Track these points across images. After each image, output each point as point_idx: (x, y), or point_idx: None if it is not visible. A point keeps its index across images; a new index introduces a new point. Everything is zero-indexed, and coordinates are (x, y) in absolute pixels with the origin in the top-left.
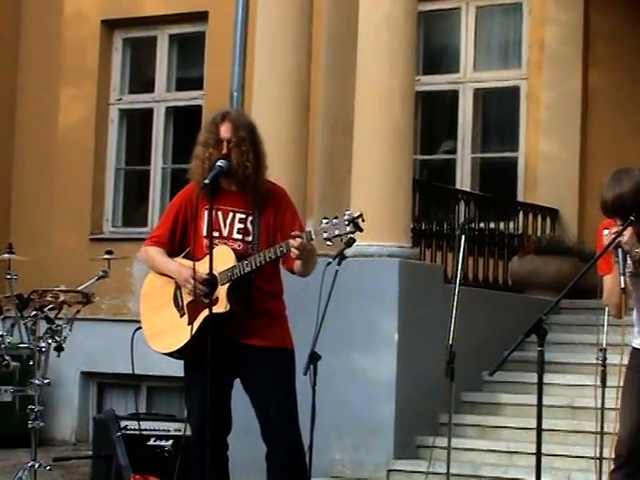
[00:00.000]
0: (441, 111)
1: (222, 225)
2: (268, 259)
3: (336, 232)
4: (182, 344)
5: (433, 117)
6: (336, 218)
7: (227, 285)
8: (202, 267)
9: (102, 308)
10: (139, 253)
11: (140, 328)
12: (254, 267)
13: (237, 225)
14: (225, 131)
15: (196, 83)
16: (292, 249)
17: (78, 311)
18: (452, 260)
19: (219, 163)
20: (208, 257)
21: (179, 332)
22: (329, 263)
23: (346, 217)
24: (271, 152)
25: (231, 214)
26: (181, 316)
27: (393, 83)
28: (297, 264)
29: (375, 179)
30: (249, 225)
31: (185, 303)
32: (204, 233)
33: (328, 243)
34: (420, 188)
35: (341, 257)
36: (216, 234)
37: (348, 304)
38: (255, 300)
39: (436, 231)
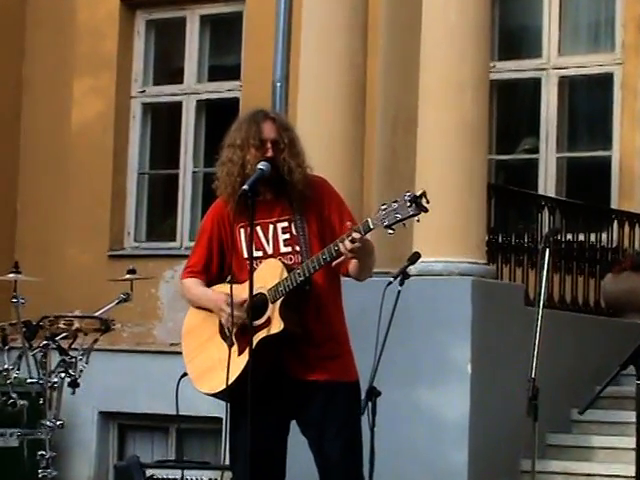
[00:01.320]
0: (520, 103)
1: (264, 242)
2: (323, 262)
3: (397, 217)
4: (232, 379)
5: (511, 110)
6: (395, 202)
7: (279, 302)
8: (245, 291)
9: (123, 337)
10: (179, 285)
11: (186, 374)
12: (307, 275)
13: (282, 236)
14: (270, 131)
15: (232, 72)
16: (346, 244)
17: (96, 340)
18: (534, 278)
19: (260, 166)
20: (255, 275)
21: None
22: (390, 283)
23: (407, 197)
24: (320, 154)
25: (272, 226)
26: (230, 346)
27: (463, 72)
28: (352, 264)
29: (443, 184)
30: (295, 232)
31: (234, 332)
32: (245, 255)
33: (389, 232)
34: (496, 194)
35: (404, 276)
36: (259, 253)
37: (412, 331)
38: (313, 321)
39: (515, 244)
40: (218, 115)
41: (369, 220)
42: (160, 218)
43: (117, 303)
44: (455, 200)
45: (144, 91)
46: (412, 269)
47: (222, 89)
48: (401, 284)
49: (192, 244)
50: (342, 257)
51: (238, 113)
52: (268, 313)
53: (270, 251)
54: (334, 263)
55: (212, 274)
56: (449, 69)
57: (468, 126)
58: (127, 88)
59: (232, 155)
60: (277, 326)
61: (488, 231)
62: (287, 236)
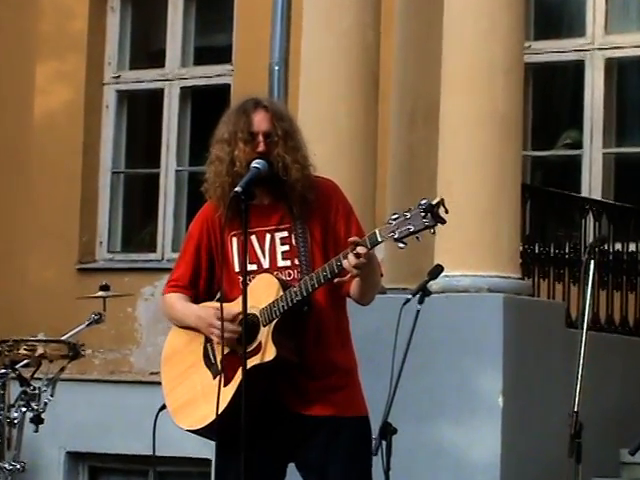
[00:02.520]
0: (560, 90)
1: (260, 253)
2: (323, 280)
3: (410, 228)
4: (215, 417)
5: (549, 98)
6: (408, 211)
7: (272, 325)
8: (236, 308)
9: (95, 365)
10: (160, 302)
11: (165, 407)
12: (305, 294)
13: (280, 248)
14: (261, 122)
15: (222, 55)
16: (350, 260)
17: (62, 369)
18: (577, 295)
19: (255, 164)
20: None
21: (212, 401)
22: (407, 301)
23: (421, 206)
24: (325, 150)
25: (268, 236)
26: (214, 377)
27: (493, 53)
28: (354, 285)
29: (469, 186)
30: (295, 243)
31: (219, 359)
32: (237, 268)
33: (400, 245)
34: (532, 196)
35: (424, 292)
36: (254, 267)
37: (434, 357)
38: (312, 349)
39: (555, 255)
40: (206, 104)
41: (377, 232)
42: (138, 225)
43: (87, 325)
44: (483, 204)
45: (119, 77)
46: (433, 285)
47: (210, 74)
48: (420, 302)
49: (176, 255)
50: (347, 275)
51: (229, 102)
52: (259, 338)
53: (266, 264)
54: (336, 281)
55: (199, 289)
56: (477, 50)
57: (499, 117)
58: (99, 73)
59: (220, 152)
60: (269, 353)
61: (522, 240)
62: (286, 248)
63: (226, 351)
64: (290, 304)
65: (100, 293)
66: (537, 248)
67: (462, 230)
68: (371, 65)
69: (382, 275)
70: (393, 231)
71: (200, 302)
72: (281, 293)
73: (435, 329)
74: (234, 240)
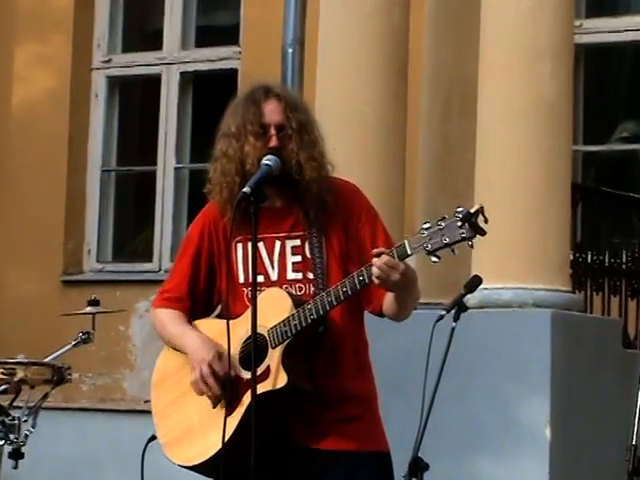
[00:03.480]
0: (616, 75)
1: (268, 264)
2: (343, 297)
3: (445, 240)
4: (214, 452)
5: (604, 85)
6: (443, 220)
7: (282, 347)
8: (240, 328)
9: (83, 391)
10: (151, 314)
11: (154, 438)
12: (321, 312)
13: (291, 259)
14: (274, 112)
15: (228, 35)
16: (376, 273)
17: (46, 395)
18: (636, 311)
19: (266, 161)
20: (248, 311)
21: (210, 432)
22: (441, 317)
23: (457, 215)
24: (346, 145)
25: (278, 243)
26: (214, 405)
27: (539, 33)
28: (388, 300)
29: (512, 185)
30: (309, 254)
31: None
32: (241, 279)
33: (434, 259)
34: (583, 197)
35: (459, 308)
36: (260, 278)
37: (471, 381)
38: (325, 374)
39: (610, 265)
40: (210, 92)
41: (406, 243)
42: (131, 231)
43: (74, 345)
44: (528, 206)
45: (109, 60)
46: (470, 299)
47: (214, 57)
48: (456, 319)
49: None
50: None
51: (237, 90)
52: (267, 361)
53: (274, 277)
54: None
55: (196, 303)
56: (520, 30)
57: (546, 107)
58: (87, 57)
59: (227, 148)
60: (280, 380)
61: (573, 247)
62: (298, 258)
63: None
64: (304, 324)
65: (88, 309)
66: (590, 257)
67: (503, 236)
68: (399, 47)
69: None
70: (425, 242)
71: (197, 317)
72: (293, 311)
73: (473, 350)
74: (239, 247)
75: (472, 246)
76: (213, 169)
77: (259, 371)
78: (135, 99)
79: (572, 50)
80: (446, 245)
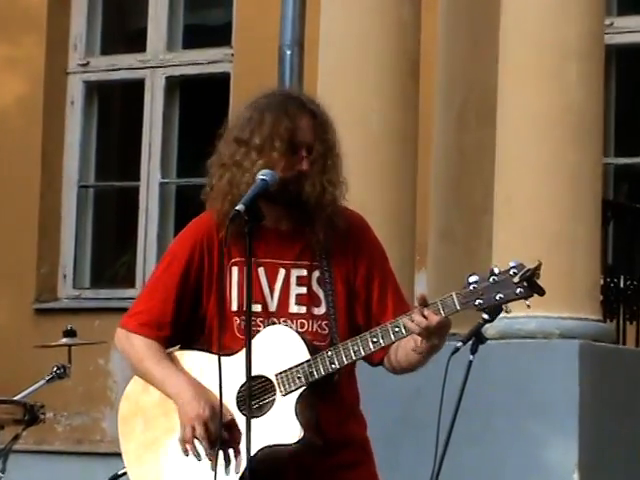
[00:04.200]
0: None
1: (267, 291)
2: (373, 348)
3: (500, 297)
4: None
5: (638, 90)
6: (496, 275)
7: (295, 395)
8: (235, 367)
9: (58, 432)
10: (116, 338)
11: (120, 476)
12: (346, 363)
13: (295, 290)
14: (307, 131)
15: (219, 36)
16: (415, 330)
17: (17, 437)
18: None
19: (262, 175)
20: (245, 351)
21: None
22: (456, 350)
23: (514, 270)
24: (351, 157)
25: (282, 271)
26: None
27: (565, 34)
28: (404, 349)
29: (535, 201)
30: (316, 287)
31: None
32: (234, 307)
33: (485, 317)
34: (616, 215)
35: (477, 339)
36: (257, 307)
37: (491, 420)
38: (328, 419)
39: None
40: (199, 99)
41: (454, 296)
42: (112, 254)
43: (48, 381)
44: (553, 226)
45: (87, 63)
46: (490, 329)
47: (204, 60)
48: (474, 351)
49: None
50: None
51: (228, 96)
52: (276, 410)
53: (272, 307)
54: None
55: (176, 330)
56: (544, 29)
57: (573, 115)
58: (62, 60)
59: (242, 157)
60: (293, 433)
61: (604, 271)
62: (303, 290)
63: (225, 419)
64: (323, 372)
65: (64, 340)
66: (622, 281)
67: (526, 259)
68: (409, 48)
69: None
70: (476, 298)
71: (176, 343)
72: (308, 356)
73: (492, 385)
74: (234, 270)
75: (529, 306)
76: (218, 176)
77: (267, 419)
78: (116, 106)
79: (603, 51)
80: (501, 302)
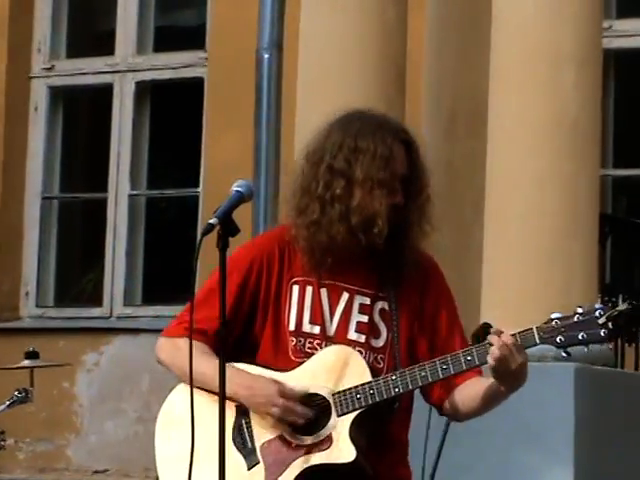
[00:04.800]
0: None
1: (327, 314)
2: (442, 375)
3: (582, 336)
4: None
5: (638, 97)
6: (581, 313)
7: (351, 417)
8: (300, 382)
9: (19, 459)
10: (157, 348)
11: None
12: (411, 388)
13: (356, 317)
14: (402, 162)
15: (192, 38)
16: (496, 355)
17: None
18: None
19: (237, 187)
20: (305, 367)
21: None
22: None
23: (599, 312)
24: None
25: (346, 295)
26: (250, 467)
27: (561, 37)
28: (473, 392)
29: (526, 217)
30: (377, 319)
31: (258, 444)
32: (291, 326)
33: (564, 354)
34: (613, 230)
35: None
36: (315, 330)
37: (483, 449)
38: (380, 456)
39: None
40: (170, 105)
41: (535, 330)
42: (78, 270)
43: (9, 405)
44: (548, 241)
45: (52, 67)
46: None
47: (176, 64)
48: None
49: (130, 311)
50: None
51: (202, 102)
52: (329, 428)
53: (331, 332)
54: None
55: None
56: (537, 33)
57: (569, 124)
58: (25, 63)
59: (342, 191)
60: (346, 453)
61: (601, 290)
62: (364, 319)
63: (271, 435)
64: (385, 396)
65: (26, 362)
66: (621, 301)
67: (518, 277)
68: (395, 53)
69: None
70: (558, 334)
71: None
72: (368, 378)
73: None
74: (294, 289)
75: (612, 349)
76: (319, 210)
77: (320, 437)
78: (82, 113)
79: (600, 56)
80: (582, 342)
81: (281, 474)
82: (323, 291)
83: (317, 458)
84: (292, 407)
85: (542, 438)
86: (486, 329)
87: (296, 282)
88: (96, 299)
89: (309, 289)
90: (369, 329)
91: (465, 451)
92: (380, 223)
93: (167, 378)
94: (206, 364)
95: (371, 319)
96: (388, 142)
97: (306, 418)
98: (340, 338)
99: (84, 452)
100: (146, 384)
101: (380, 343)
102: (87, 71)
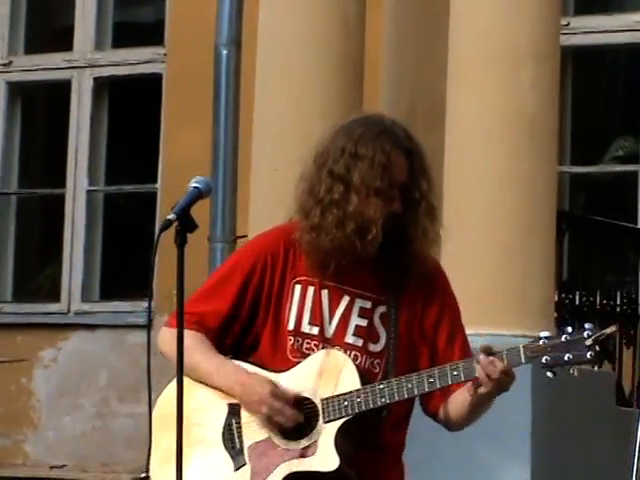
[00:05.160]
0: (610, 83)
1: (326, 316)
2: (427, 388)
3: (567, 357)
4: None
5: (596, 95)
6: (569, 334)
7: (337, 424)
8: (292, 384)
9: None
10: (160, 339)
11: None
12: (396, 399)
13: (355, 320)
14: (401, 170)
15: (151, 34)
16: (480, 375)
17: None
18: (632, 362)
19: (194, 184)
20: (299, 369)
21: None
22: None
23: (587, 333)
24: (293, 167)
25: (347, 298)
26: (236, 468)
27: (519, 34)
28: (458, 403)
29: (484, 214)
30: (377, 323)
31: (246, 445)
32: (291, 325)
33: (549, 374)
34: (571, 228)
35: None
36: (314, 330)
37: (438, 447)
38: (370, 463)
39: (602, 308)
40: (129, 102)
41: (521, 349)
42: (35, 265)
43: None
44: (505, 239)
45: (9, 63)
46: None
47: (134, 60)
48: None
49: (87, 307)
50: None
51: (161, 98)
52: (315, 435)
53: (329, 334)
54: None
55: (225, 341)
56: (496, 30)
57: (527, 121)
58: None
59: (340, 196)
60: (329, 461)
61: (558, 287)
62: (363, 322)
63: (259, 437)
64: (371, 405)
65: None
66: (578, 298)
67: (476, 274)
68: (353, 52)
69: None
70: (544, 354)
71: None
72: (359, 386)
73: None
74: (297, 288)
75: (598, 369)
76: (320, 213)
77: (302, 444)
78: (40, 109)
79: (558, 54)
80: (567, 363)
81: (265, 478)
82: (324, 292)
83: (301, 465)
84: (282, 409)
85: (499, 434)
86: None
87: (299, 282)
88: (54, 295)
89: (311, 289)
90: (367, 333)
91: (421, 447)
92: (374, 230)
93: (124, 374)
94: (204, 355)
95: (370, 323)
96: (387, 149)
97: (295, 421)
98: (337, 341)
99: (42, 447)
100: (104, 380)
101: (378, 348)
102: (45, 67)
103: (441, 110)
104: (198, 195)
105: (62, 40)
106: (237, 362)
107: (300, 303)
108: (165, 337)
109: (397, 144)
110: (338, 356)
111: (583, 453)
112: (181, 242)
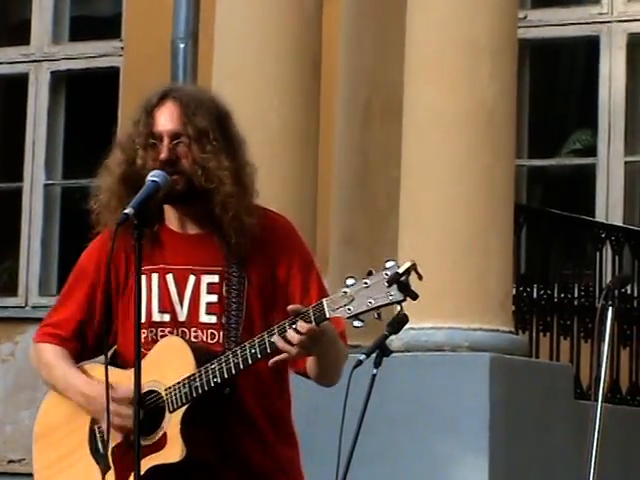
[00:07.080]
0: (568, 76)
1: (176, 300)
2: (252, 360)
3: (370, 303)
4: None
5: (553, 88)
6: (370, 275)
7: (181, 412)
8: (129, 383)
9: None
10: (30, 357)
11: None
12: (227, 377)
13: (205, 298)
14: (168, 119)
15: (108, 28)
16: (289, 336)
17: None
18: (590, 355)
19: (152, 177)
20: (147, 359)
21: None
22: (359, 363)
23: (386, 273)
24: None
25: (193, 278)
26: (103, 474)
27: (476, 27)
28: (310, 363)
29: (441, 207)
30: (226, 292)
31: (110, 449)
32: (143, 318)
33: (356, 324)
34: (529, 221)
35: (382, 351)
36: (166, 317)
37: (396, 439)
38: (248, 440)
39: (560, 301)
40: (86, 95)
41: (324, 304)
42: None
43: None
44: (463, 232)
45: None
46: (395, 340)
47: (92, 53)
48: (377, 365)
49: (45, 300)
50: (283, 355)
51: (118, 92)
52: (164, 428)
53: (182, 317)
54: (271, 362)
55: (86, 343)
56: (453, 24)
57: (485, 114)
58: None
59: (113, 162)
60: (175, 451)
61: (516, 280)
62: (214, 298)
63: (119, 439)
64: (206, 388)
65: None
66: (536, 291)
67: (434, 267)
68: (311, 43)
69: (347, 345)
70: (347, 304)
71: (86, 358)
72: (194, 370)
73: (398, 400)
74: (143, 279)
75: (402, 311)
76: (102, 186)
77: (154, 439)
78: None
79: (515, 47)
80: (371, 309)
81: (127, 478)
82: (169, 277)
83: (154, 459)
84: (118, 410)
85: (457, 427)
86: (402, 319)
87: (142, 272)
88: (11, 289)
89: (155, 277)
90: (219, 308)
91: (380, 440)
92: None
93: None
94: (61, 371)
95: (221, 297)
96: (150, 103)
97: (132, 419)
98: (192, 322)
99: (0, 442)
100: None
101: (233, 320)
102: (2, 61)
103: (399, 102)
104: (155, 188)
105: (19, 34)
106: (88, 365)
107: (147, 293)
108: (32, 354)
109: (165, 96)
110: (174, 341)
111: (541, 446)
112: (139, 236)
